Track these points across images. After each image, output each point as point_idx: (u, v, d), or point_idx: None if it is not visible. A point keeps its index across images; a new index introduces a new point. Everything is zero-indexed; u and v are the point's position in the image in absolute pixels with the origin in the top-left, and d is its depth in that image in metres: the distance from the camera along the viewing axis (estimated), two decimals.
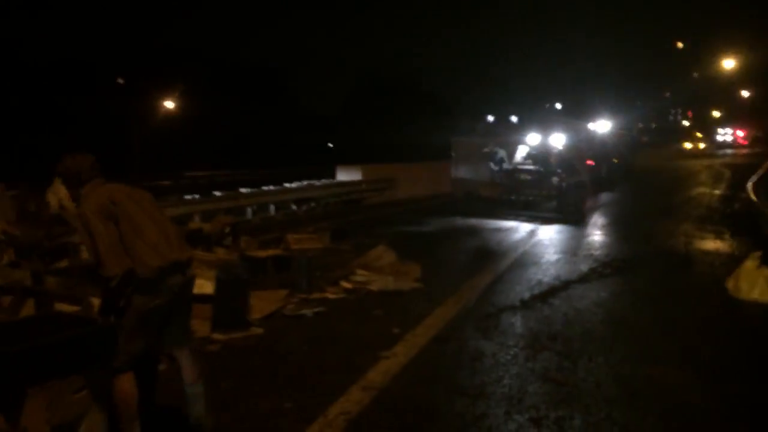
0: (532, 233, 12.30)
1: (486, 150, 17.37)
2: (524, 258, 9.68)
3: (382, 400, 4.32)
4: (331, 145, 53.27)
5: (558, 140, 17.42)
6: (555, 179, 15.11)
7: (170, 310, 3.46)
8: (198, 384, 3.66)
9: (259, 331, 5.86)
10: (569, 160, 16.34)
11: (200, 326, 5.46)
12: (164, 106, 35.52)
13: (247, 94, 46.86)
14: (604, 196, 20.46)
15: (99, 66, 38.56)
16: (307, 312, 6.44)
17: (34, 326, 3.02)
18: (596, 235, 12.34)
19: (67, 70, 37.21)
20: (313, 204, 17.06)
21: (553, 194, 15.01)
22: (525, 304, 6.83)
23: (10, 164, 19.55)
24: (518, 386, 4.57)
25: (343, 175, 19.69)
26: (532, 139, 17.54)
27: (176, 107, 36.03)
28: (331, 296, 7.09)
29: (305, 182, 18.26)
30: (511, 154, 17.16)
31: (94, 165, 3.48)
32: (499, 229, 12.77)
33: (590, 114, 28.23)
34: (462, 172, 19.05)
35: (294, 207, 16.16)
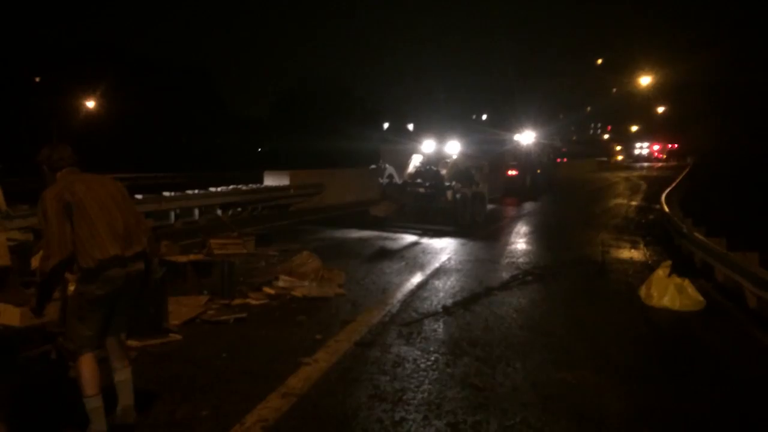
0: (455, 243, 12.47)
1: (372, 167, 16.75)
2: (447, 266, 9.80)
3: (302, 406, 4.27)
4: (260, 149, 52.62)
5: (453, 148, 16.49)
6: (449, 191, 14.32)
7: (115, 301, 3.72)
8: (126, 369, 3.85)
9: (177, 337, 5.70)
10: (466, 170, 15.48)
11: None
12: (85, 106, 34.27)
13: (174, 96, 45.76)
14: (528, 206, 21.02)
15: (15, 62, 36.79)
16: (228, 318, 6.31)
17: None
18: (518, 243, 12.63)
19: None
20: (239, 209, 16.77)
21: (448, 206, 14.24)
22: (447, 311, 6.91)
23: None
24: (438, 391, 4.61)
25: (271, 180, 19.43)
26: (427, 146, 16.49)
27: (98, 107, 34.82)
28: (253, 302, 6.97)
29: (231, 187, 17.91)
30: (405, 165, 15.84)
31: (71, 155, 3.80)
32: (423, 238, 12.88)
33: (515, 125, 28.92)
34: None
35: (219, 212, 15.83)
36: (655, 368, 5.38)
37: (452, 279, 8.75)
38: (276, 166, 20.86)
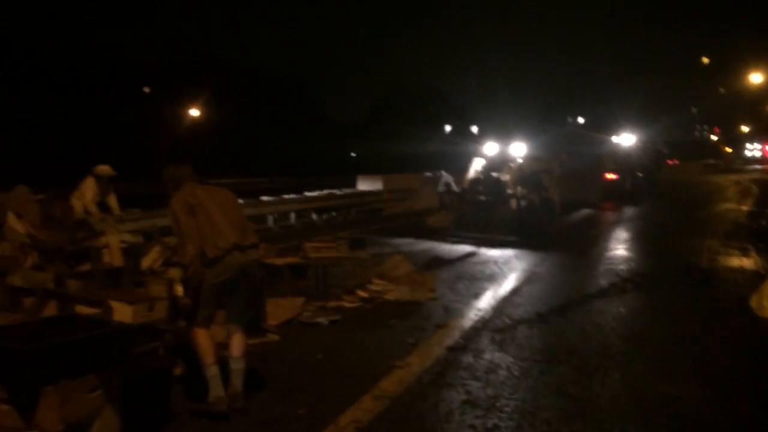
0: (543, 252, 12.17)
1: (428, 174, 16.04)
2: (541, 271, 9.62)
3: (394, 409, 4.31)
4: (354, 154, 53.49)
5: (518, 150, 15.25)
6: (513, 199, 13.06)
7: (233, 288, 4.26)
8: (242, 360, 4.33)
9: (275, 337, 5.89)
10: (533, 174, 14.06)
11: (217, 332, 5.48)
12: (189, 114, 36.02)
13: (271, 102, 47.31)
14: (628, 211, 20.28)
15: (125, 72, 39.15)
16: (323, 320, 6.46)
17: (51, 327, 3.08)
18: (618, 249, 12.20)
19: (93, 77, 37.86)
20: (333, 213, 17.11)
21: (512, 215, 12.90)
22: (542, 318, 6.77)
23: (36, 169, 19.82)
24: (531, 399, 4.53)
25: (364, 185, 19.74)
26: (490, 149, 15.36)
27: (200, 115, 36.52)
28: (347, 305, 7.10)
29: (326, 191, 18.33)
30: (465, 170, 14.56)
31: (192, 172, 4.49)
32: (518, 243, 12.63)
33: (614, 128, 27.93)
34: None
35: (314, 216, 16.21)
36: (763, 384, 5.06)
37: (546, 286, 8.58)
38: (366, 171, 21.15)
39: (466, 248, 11.92)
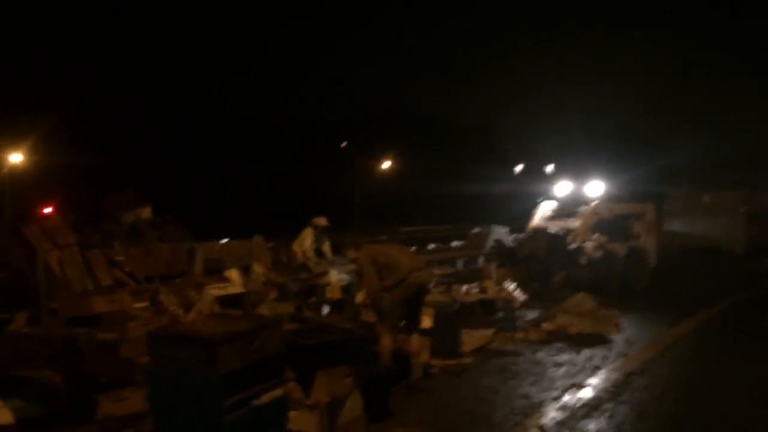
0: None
1: (476, 230, 13.93)
2: (733, 308, 9.66)
3: (573, 417, 5.07)
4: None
5: (595, 190, 12.82)
6: (581, 255, 11.07)
7: (414, 299, 5.87)
8: (417, 357, 5.89)
9: (468, 360, 6.84)
10: (616, 219, 12.08)
11: (423, 353, 6.56)
12: (380, 167, 38.75)
13: (457, 152, 49.11)
14: None
15: (328, 130, 43.27)
16: (510, 348, 7.32)
17: (319, 331, 4.35)
18: None
19: (300, 134, 42.37)
20: None
21: (584, 271, 11.00)
22: (725, 351, 7.09)
23: (263, 220, 22.75)
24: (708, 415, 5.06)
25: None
26: (562, 189, 13.18)
27: (391, 166, 39.11)
28: (532, 336, 7.88)
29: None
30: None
31: (367, 240, 6.59)
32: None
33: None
34: (674, 225, 18.01)
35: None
36: None
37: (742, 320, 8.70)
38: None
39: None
